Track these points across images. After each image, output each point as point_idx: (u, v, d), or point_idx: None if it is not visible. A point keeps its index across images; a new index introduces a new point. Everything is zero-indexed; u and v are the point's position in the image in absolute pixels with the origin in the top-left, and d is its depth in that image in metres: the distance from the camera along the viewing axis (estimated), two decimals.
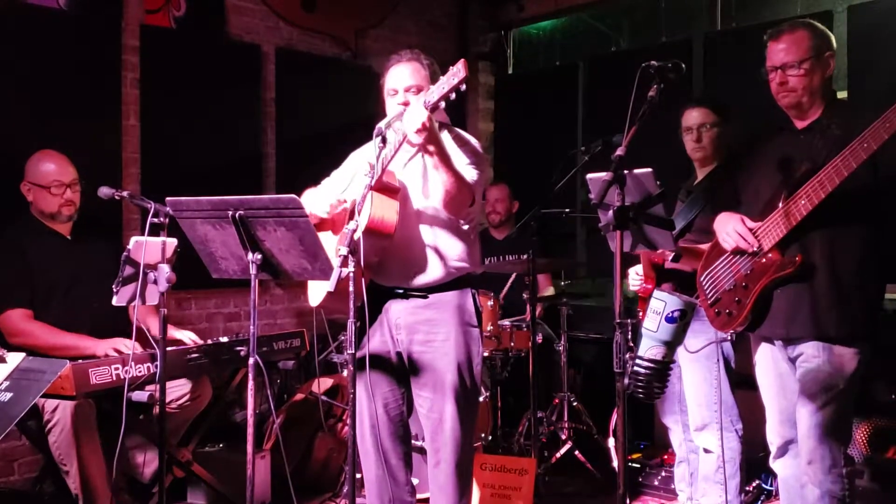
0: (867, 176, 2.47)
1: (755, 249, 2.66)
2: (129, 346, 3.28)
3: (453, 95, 2.49)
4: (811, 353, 2.62)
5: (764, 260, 2.66)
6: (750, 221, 2.69)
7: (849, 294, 2.58)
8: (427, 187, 2.84)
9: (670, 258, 3.17)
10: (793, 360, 2.71)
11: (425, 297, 2.86)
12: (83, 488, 3.16)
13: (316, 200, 2.96)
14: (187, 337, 3.55)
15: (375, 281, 2.90)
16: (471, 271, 2.93)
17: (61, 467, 3.18)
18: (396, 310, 2.89)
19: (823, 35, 2.67)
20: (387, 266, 2.86)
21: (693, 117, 3.45)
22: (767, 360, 2.82)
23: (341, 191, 2.95)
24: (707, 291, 2.84)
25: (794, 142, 2.71)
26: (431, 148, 2.59)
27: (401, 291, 2.89)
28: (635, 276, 3.42)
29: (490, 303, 4.32)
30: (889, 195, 2.53)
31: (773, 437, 2.84)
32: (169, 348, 3.11)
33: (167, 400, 3.10)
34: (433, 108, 2.53)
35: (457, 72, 2.46)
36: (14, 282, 3.41)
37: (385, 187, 2.74)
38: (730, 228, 2.71)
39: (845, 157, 2.42)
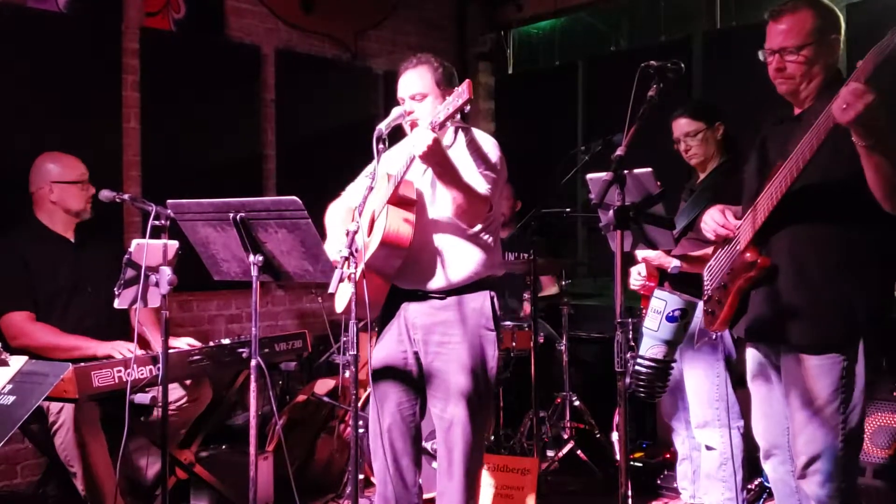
0: (839, 172, 2.28)
1: (734, 236, 2.51)
2: (129, 349, 3.29)
3: (458, 116, 2.52)
4: (789, 364, 2.46)
5: (741, 259, 2.49)
6: (731, 216, 2.56)
7: (819, 299, 2.37)
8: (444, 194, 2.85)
9: (670, 269, 3.17)
10: (777, 368, 2.57)
11: (443, 298, 2.86)
12: (90, 489, 3.16)
13: (333, 243, 2.93)
14: (185, 344, 3.55)
15: (394, 283, 2.91)
16: (490, 275, 2.92)
17: (68, 468, 3.18)
18: (413, 310, 2.90)
19: (830, 14, 2.40)
20: (404, 270, 2.86)
21: (678, 128, 3.48)
22: (754, 365, 2.69)
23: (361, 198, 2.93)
24: (706, 286, 2.73)
25: (782, 131, 2.50)
26: (438, 169, 2.60)
27: (418, 293, 2.89)
28: (636, 276, 3.44)
29: None
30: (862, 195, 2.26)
31: (759, 440, 2.73)
32: (171, 350, 3.12)
33: None
34: (440, 128, 2.55)
35: (461, 93, 2.46)
36: (15, 285, 3.40)
37: (401, 200, 2.75)
38: (706, 217, 2.59)
39: (796, 154, 2.26)
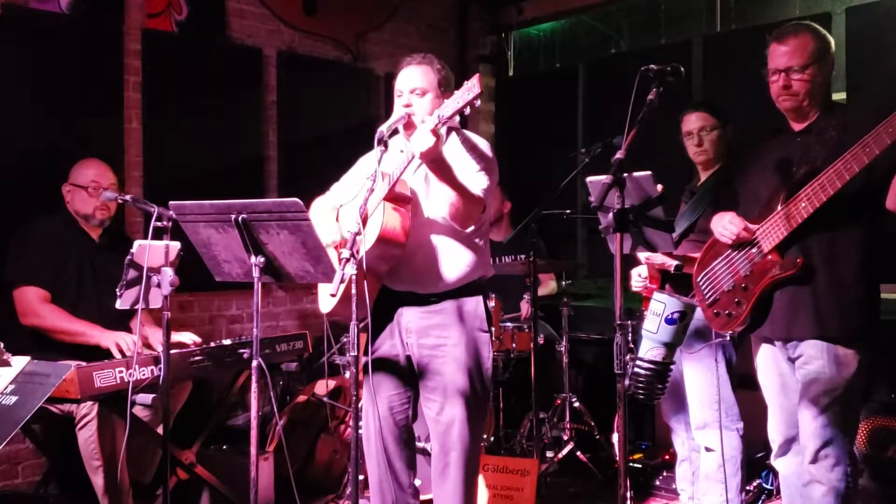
0: (864, 177, 2.48)
1: (752, 240, 2.69)
2: (130, 341, 3.31)
3: (468, 110, 2.52)
4: (812, 354, 2.64)
5: (764, 261, 2.68)
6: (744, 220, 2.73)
7: (849, 295, 2.60)
8: (436, 195, 2.85)
9: (672, 269, 3.19)
10: (792, 360, 2.73)
11: (436, 301, 2.87)
12: (110, 485, 3.15)
13: (323, 227, 2.95)
14: (189, 338, 3.57)
15: (387, 285, 2.92)
16: (481, 276, 2.93)
17: (90, 463, 3.15)
18: (407, 314, 2.90)
19: (825, 39, 2.68)
20: (398, 272, 2.86)
21: (692, 122, 3.47)
22: (768, 360, 2.84)
23: (351, 198, 2.94)
24: (704, 291, 2.86)
25: (792, 144, 2.72)
26: (436, 169, 2.61)
27: (412, 296, 2.90)
28: (637, 278, 3.45)
29: (491, 304, 4.33)
30: (880, 195, 2.52)
31: (775, 436, 2.86)
32: (173, 351, 3.13)
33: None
34: (446, 123, 2.55)
35: (471, 87, 2.46)
36: (39, 261, 3.47)
37: (397, 197, 2.75)
38: (725, 222, 2.74)
39: (847, 161, 2.43)
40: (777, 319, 2.70)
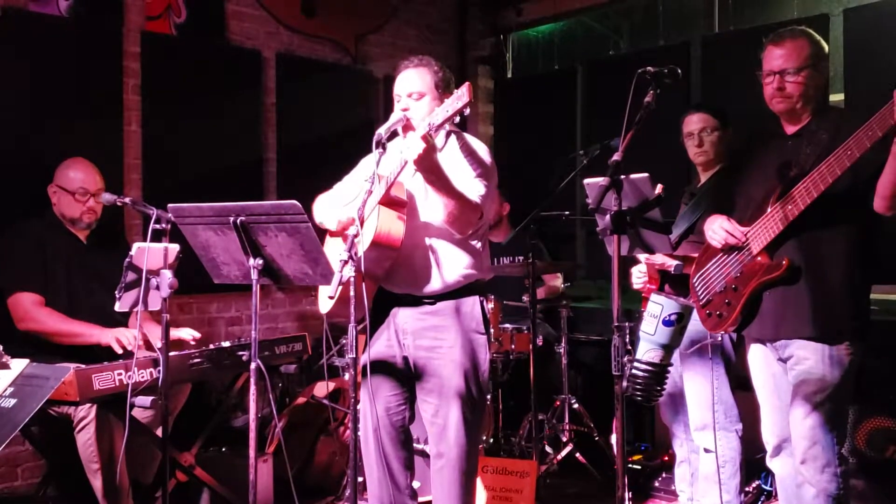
0: (850, 179, 2.51)
1: (742, 243, 2.71)
2: (130, 336, 3.31)
3: (458, 118, 2.53)
4: (803, 354, 2.65)
5: (753, 263, 2.70)
6: (735, 223, 2.74)
7: (837, 294, 2.61)
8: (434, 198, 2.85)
9: (673, 269, 3.19)
10: (784, 361, 2.74)
11: (433, 303, 2.87)
12: (109, 487, 3.15)
13: (328, 213, 2.98)
14: (188, 334, 3.57)
15: (384, 287, 2.92)
16: (479, 279, 2.93)
17: (89, 466, 3.16)
18: (404, 315, 2.90)
19: (820, 44, 2.72)
20: (394, 274, 2.87)
21: (694, 122, 3.48)
22: (760, 361, 2.85)
23: (353, 197, 2.95)
24: (699, 292, 2.89)
25: (783, 147, 2.75)
26: (430, 175, 2.62)
27: (409, 297, 2.90)
28: (638, 274, 3.45)
29: (490, 305, 4.33)
30: (868, 197, 2.54)
31: (769, 437, 2.87)
32: (172, 353, 3.13)
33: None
34: (437, 130, 2.56)
35: (461, 95, 2.48)
36: (28, 266, 3.47)
37: (392, 201, 2.76)
38: (716, 226, 2.76)
39: (830, 164, 2.46)
40: (766, 320, 2.72)
